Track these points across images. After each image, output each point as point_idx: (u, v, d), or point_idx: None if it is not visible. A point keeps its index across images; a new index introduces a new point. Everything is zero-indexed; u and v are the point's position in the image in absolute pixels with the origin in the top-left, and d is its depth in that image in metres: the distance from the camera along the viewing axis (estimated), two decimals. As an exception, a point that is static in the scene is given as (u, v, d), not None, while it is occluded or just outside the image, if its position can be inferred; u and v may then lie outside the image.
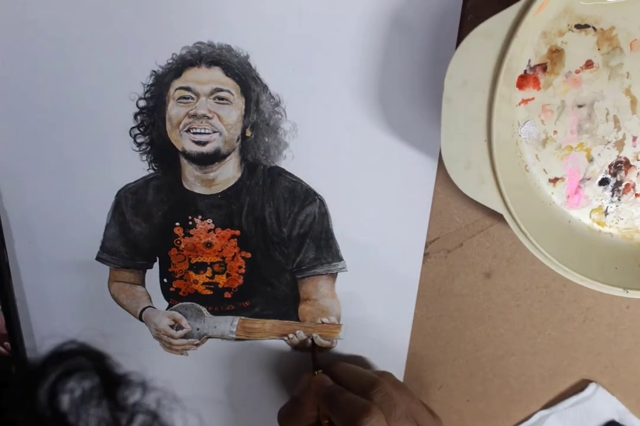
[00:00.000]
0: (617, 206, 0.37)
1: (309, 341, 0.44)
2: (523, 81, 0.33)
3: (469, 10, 0.34)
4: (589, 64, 0.33)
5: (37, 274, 0.43)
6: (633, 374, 0.44)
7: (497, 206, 0.33)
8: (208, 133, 0.38)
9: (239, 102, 0.37)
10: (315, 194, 0.39)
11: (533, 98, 0.34)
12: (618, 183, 0.36)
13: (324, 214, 0.40)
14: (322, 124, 0.37)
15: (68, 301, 0.43)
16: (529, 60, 0.33)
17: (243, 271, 0.42)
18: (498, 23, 0.28)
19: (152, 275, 0.42)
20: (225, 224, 0.40)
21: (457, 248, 0.41)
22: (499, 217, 0.39)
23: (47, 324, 0.44)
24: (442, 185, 0.39)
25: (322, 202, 0.40)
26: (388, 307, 0.42)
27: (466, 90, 0.30)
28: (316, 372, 0.41)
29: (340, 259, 0.41)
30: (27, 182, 0.40)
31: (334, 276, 0.42)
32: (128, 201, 0.40)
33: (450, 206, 0.39)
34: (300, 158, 0.38)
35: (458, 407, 0.46)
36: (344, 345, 0.44)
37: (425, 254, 0.41)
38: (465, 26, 0.34)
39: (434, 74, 0.35)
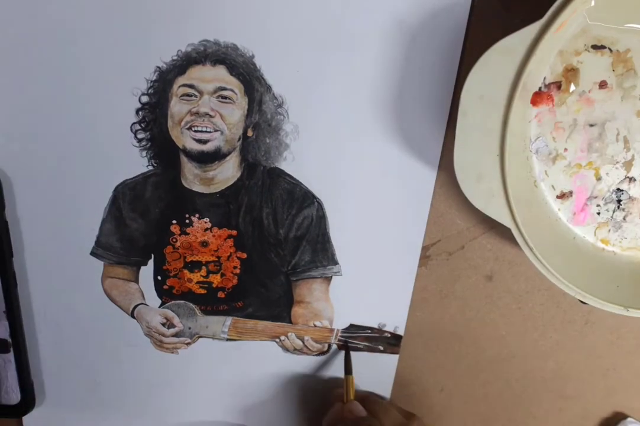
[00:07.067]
0: (622, 225, 0.37)
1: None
2: (537, 97, 0.34)
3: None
4: (602, 84, 0.33)
5: (34, 267, 0.42)
6: (635, 377, 0.44)
7: (506, 221, 0.33)
8: (209, 132, 0.37)
9: (242, 102, 0.37)
10: (313, 196, 0.39)
11: (546, 115, 0.34)
12: (624, 202, 0.37)
13: (321, 217, 0.40)
14: (324, 127, 0.37)
15: (61, 296, 0.43)
16: (544, 78, 0.33)
17: (238, 271, 0.41)
18: (518, 40, 0.29)
19: (146, 272, 0.42)
20: (222, 223, 0.40)
21: (458, 251, 0.41)
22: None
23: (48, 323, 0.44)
24: (444, 188, 0.39)
25: (320, 205, 0.40)
26: (381, 313, 0.42)
27: (482, 105, 0.31)
28: (347, 396, 0.41)
29: (336, 263, 0.41)
30: (26, 173, 0.40)
31: (328, 279, 0.41)
32: (125, 197, 0.40)
33: (452, 208, 0.39)
34: (301, 160, 0.38)
35: (459, 410, 0.46)
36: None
37: (427, 257, 0.41)
38: (471, 36, 0.34)
39: (439, 79, 0.36)
